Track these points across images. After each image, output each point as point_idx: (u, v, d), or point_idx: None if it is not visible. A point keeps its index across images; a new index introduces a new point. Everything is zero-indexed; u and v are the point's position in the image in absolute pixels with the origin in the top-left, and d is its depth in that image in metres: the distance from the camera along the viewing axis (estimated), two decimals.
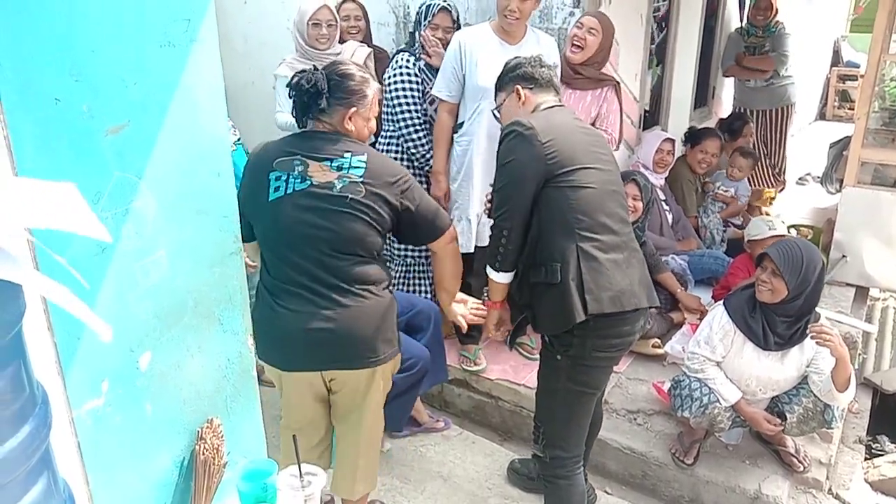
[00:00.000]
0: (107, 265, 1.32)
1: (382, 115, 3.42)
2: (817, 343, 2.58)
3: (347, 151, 2.07)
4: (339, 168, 2.05)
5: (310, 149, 2.08)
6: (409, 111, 3.28)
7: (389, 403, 2.77)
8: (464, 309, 2.44)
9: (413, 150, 3.32)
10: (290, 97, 2.14)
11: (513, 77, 2.30)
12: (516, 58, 2.37)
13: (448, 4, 3.30)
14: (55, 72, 1.17)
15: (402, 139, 3.33)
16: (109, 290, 1.33)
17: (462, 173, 3.19)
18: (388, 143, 3.41)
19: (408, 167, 3.40)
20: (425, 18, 3.29)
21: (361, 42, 3.66)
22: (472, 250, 3.24)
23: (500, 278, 2.21)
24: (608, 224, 2.10)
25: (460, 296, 2.45)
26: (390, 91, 3.30)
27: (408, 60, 3.30)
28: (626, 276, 2.11)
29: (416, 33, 3.34)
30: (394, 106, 3.30)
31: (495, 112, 2.40)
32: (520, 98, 2.26)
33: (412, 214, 2.14)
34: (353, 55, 3.51)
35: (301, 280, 2.04)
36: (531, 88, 2.27)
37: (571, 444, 2.28)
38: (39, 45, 1.14)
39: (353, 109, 2.11)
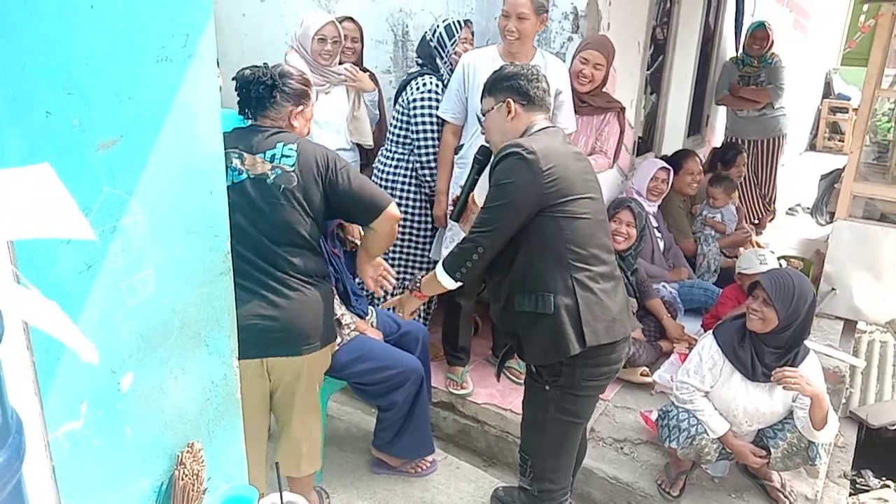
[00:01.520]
0: (92, 283, 1.28)
1: (395, 136, 3.36)
2: (784, 388, 2.58)
3: (279, 141, 2.16)
4: (272, 158, 2.14)
5: (248, 143, 2.17)
6: (432, 138, 3.22)
7: (405, 427, 2.78)
8: (374, 272, 2.51)
9: (428, 178, 3.26)
10: (240, 89, 2.22)
11: (506, 87, 2.18)
12: (512, 64, 2.26)
13: (468, 19, 3.30)
14: (47, 84, 1.14)
15: (415, 163, 3.28)
16: (94, 309, 1.29)
17: None
18: (397, 165, 3.34)
19: (415, 192, 3.36)
20: (451, 38, 3.26)
21: (353, 63, 3.65)
22: None
23: (449, 285, 2.17)
24: (598, 254, 2.09)
25: (378, 259, 2.52)
26: (415, 114, 3.22)
27: (436, 85, 3.23)
28: (616, 303, 2.11)
29: (440, 55, 3.29)
30: (416, 131, 3.23)
31: (479, 116, 2.32)
32: (509, 112, 2.16)
33: (347, 192, 2.19)
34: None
35: (246, 269, 2.11)
36: (523, 105, 2.16)
37: (560, 475, 2.24)
38: (32, 57, 1.10)
39: (301, 108, 2.25)
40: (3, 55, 1.07)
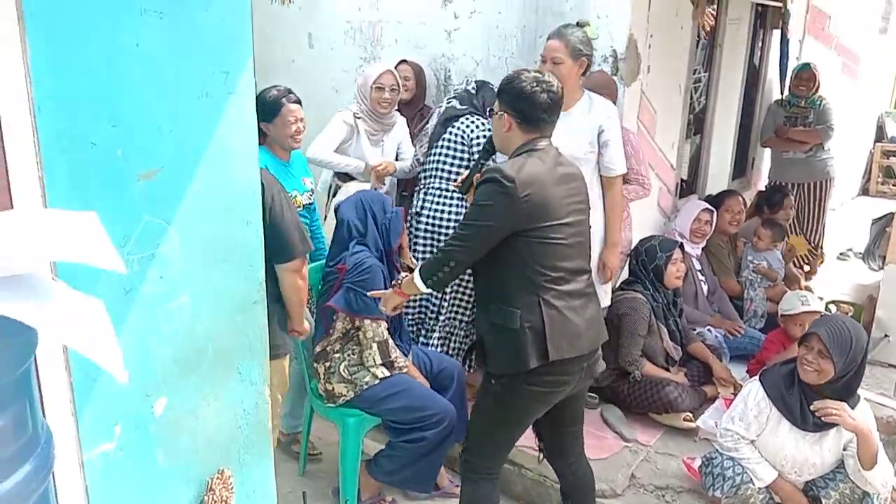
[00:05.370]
0: (130, 307, 1.33)
1: (451, 174, 3.32)
2: (824, 419, 2.49)
3: None
4: None
5: None
6: None
7: (418, 462, 2.74)
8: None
9: None
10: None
11: (507, 101, 2.16)
12: (521, 78, 2.16)
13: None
14: (93, 117, 1.20)
15: None
16: (130, 333, 1.33)
17: None
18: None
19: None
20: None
21: (409, 101, 3.79)
22: None
23: (423, 289, 2.26)
24: (567, 276, 2.14)
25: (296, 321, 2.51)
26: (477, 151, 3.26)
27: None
28: (583, 319, 2.17)
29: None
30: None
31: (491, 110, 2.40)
32: (505, 126, 2.18)
33: (274, 222, 2.16)
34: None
35: None
36: (520, 123, 2.16)
37: (481, 454, 2.36)
38: (79, 91, 1.17)
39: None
40: (52, 89, 1.14)
